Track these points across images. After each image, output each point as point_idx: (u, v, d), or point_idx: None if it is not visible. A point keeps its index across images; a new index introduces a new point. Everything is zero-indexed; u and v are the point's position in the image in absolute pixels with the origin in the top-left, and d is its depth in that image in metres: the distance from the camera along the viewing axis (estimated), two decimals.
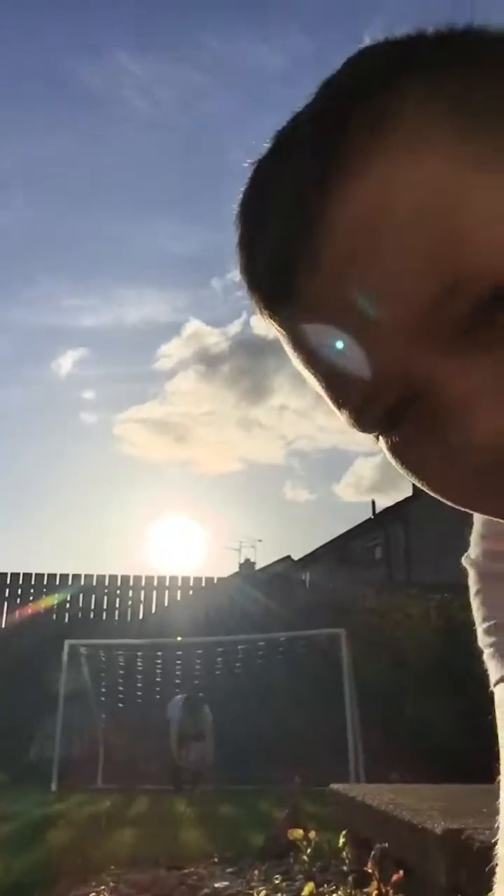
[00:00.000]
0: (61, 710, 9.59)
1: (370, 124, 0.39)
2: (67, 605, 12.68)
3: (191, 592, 12.90)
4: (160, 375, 41.71)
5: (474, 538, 0.62)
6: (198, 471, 44.06)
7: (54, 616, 12.51)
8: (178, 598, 12.89)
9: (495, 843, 1.05)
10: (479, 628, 0.63)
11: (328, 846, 2.81)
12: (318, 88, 0.44)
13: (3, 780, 9.22)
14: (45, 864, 3.21)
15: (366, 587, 13.30)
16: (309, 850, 2.73)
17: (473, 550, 0.62)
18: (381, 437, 0.45)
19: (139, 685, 10.75)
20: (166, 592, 12.91)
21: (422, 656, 8.72)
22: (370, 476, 43.28)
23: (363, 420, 0.44)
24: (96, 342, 39.36)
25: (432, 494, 0.46)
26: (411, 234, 0.38)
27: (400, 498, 26.10)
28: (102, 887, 2.69)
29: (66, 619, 12.49)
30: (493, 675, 0.62)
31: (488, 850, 1.07)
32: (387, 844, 1.66)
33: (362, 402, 0.43)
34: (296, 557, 30.16)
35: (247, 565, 25.80)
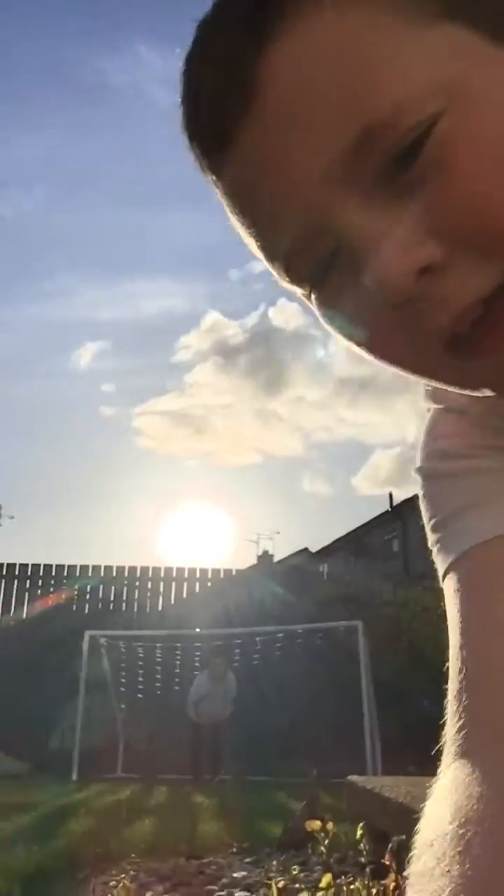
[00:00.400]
0: (82, 701, 9.68)
1: None
2: (88, 597, 12.78)
3: (209, 584, 12.95)
4: (179, 368, 41.84)
5: (421, 445, 0.61)
6: (216, 463, 44.17)
7: (74, 607, 12.62)
8: (197, 589, 12.94)
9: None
10: (427, 529, 0.61)
11: (345, 838, 2.81)
12: None
13: (25, 770, 9.35)
14: (65, 853, 3.25)
15: (383, 579, 13.27)
16: (326, 842, 2.74)
17: (419, 457, 0.61)
18: (312, 294, 0.46)
19: (158, 676, 10.83)
20: (185, 584, 12.97)
21: (438, 648, 8.68)
22: (388, 468, 43.14)
23: (293, 272, 0.45)
24: (115, 335, 39.57)
25: (362, 353, 0.46)
26: (331, 82, 0.39)
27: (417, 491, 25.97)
28: (122, 875, 2.71)
29: (87, 610, 12.59)
30: (440, 569, 0.58)
31: None
32: (404, 836, 1.66)
33: (291, 253, 0.44)
34: (313, 550, 30.17)
35: (265, 557, 25.82)
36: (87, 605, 12.73)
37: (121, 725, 10.55)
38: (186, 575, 13.04)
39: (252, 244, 0.46)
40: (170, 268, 41.61)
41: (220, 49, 0.43)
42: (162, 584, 12.92)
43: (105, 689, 10.52)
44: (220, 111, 0.43)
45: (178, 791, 6.95)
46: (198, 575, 13.07)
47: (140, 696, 10.77)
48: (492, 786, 0.43)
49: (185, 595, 12.89)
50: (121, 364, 42.46)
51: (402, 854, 1.74)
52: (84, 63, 31.90)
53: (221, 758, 8.71)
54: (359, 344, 0.46)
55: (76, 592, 12.71)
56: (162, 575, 12.98)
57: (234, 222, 0.46)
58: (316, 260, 0.44)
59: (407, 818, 1.67)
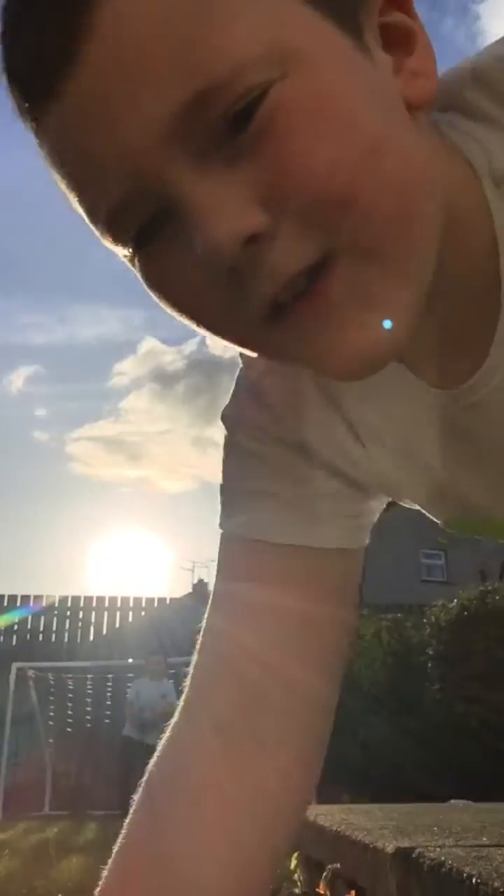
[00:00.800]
0: (7, 735, 9.34)
1: None
2: (15, 628, 12.40)
3: (143, 613, 12.75)
4: (114, 394, 41.40)
5: (232, 395, 0.65)
6: (151, 490, 43.75)
7: (2, 638, 12.22)
8: (130, 619, 12.72)
9: (444, 862, 1.07)
10: (221, 480, 0.65)
11: (279, 869, 2.79)
12: None
13: None
14: None
15: None
16: None
17: (229, 406, 0.65)
18: (135, 257, 0.45)
19: (88, 709, 10.55)
20: (118, 613, 12.73)
21: (373, 677, 8.76)
22: None
23: (115, 232, 0.44)
24: (49, 360, 38.96)
25: (183, 319, 0.46)
26: (167, 37, 0.38)
27: None
28: None
29: (14, 642, 12.20)
30: (221, 528, 0.65)
31: (439, 869, 1.09)
32: (339, 865, 1.66)
33: (114, 212, 0.43)
34: None
35: (200, 585, 25.61)
36: (14, 637, 12.35)
37: (49, 760, 10.21)
38: (119, 604, 12.81)
39: (73, 199, 0.44)
40: (106, 293, 41.42)
41: None
42: (93, 613, 12.65)
43: (32, 723, 10.18)
44: (46, 55, 0.40)
45: (109, 827, 6.76)
46: (131, 604, 12.86)
47: (69, 729, 10.46)
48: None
49: (117, 624, 12.65)
50: (55, 389, 41.80)
51: (337, 883, 1.74)
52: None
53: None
54: (179, 309, 0.46)
55: (3, 623, 12.32)
56: (93, 604, 12.71)
57: (55, 174, 0.44)
58: (140, 221, 0.43)
59: (342, 847, 1.68)
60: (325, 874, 1.73)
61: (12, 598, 12.58)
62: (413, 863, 1.20)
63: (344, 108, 0.40)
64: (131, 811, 0.60)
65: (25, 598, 12.63)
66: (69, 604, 12.62)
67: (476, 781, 6.73)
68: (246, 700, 0.57)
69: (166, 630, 11.92)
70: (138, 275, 0.46)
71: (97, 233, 0.45)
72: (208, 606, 0.65)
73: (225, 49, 0.38)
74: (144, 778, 0.61)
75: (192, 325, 0.46)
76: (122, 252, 0.46)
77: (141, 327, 40.72)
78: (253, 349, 0.48)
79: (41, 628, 12.48)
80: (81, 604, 12.66)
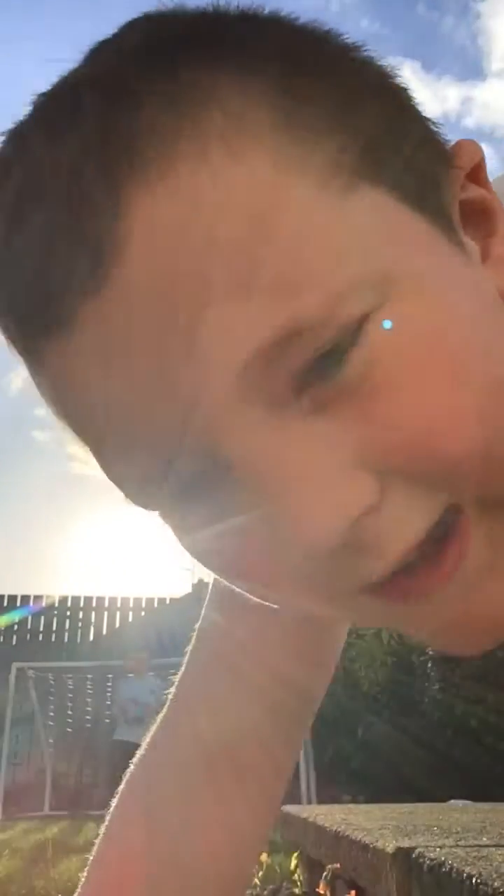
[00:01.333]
0: (7, 736, 9.34)
1: (173, 103, 0.29)
2: (16, 627, 12.40)
3: (143, 613, 12.75)
4: None
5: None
6: None
7: (2, 638, 12.22)
8: (130, 618, 12.72)
9: (444, 862, 1.07)
10: None
11: (279, 869, 2.79)
12: (91, 52, 0.33)
13: None
14: None
15: None
16: (260, 874, 2.71)
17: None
18: (162, 517, 0.36)
19: (89, 709, 10.55)
20: (118, 613, 12.73)
21: (373, 677, 8.77)
22: None
23: (144, 496, 0.34)
24: None
25: (223, 578, 0.38)
26: (228, 262, 0.28)
27: None
28: None
29: (14, 642, 12.20)
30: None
31: (439, 869, 1.08)
32: (338, 865, 1.66)
33: (146, 475, 0.33)
34: None
35: (200, 585, 25.62)
36: (14, 637, 12.35)
37: (49, 760, 10.21)
38: (119, 604, 12.81)
39: (83, 452, 0.35)
40: None
41: (54, 185, 0.30)
42: (93, 613, 12.65)
43: (32, 724, 10.18)
44: (52, 282, 0.30)
45: None
46: (131, 604, 12.86)
47: (69, 729, 10.46)
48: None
49: (117, 624, 12.65)
50: None
51: (337, 883, 1.74)
52: (23, 84, 31.80)
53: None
54: (228, 576, 0.37)
55: (3, 623, 12.32)
56: (94, 604, 12.72)
57: (59, 419, 0.34)
58: (180, 485, 0.33)
59: (341, 846, 1.68)
60: (325, 874, 1.74)
61: (12, 598, 12.59)
62: (413, 863, 1.20)
63: (458, 339, 0.31)
64: (114, 802, 0.61)
65: (25, 598, 12.63)
66: (69, 604, 12.62)
67: (476, 781, 6.73)
68: (239, 697, 0.57)
69: (166, 630, 11.92)
70: (169, 530, 0.37)
71: (118, 490, 0.35)
72: (208, 593, 0.64)
73: (315, 270, 0.29)
74: (131, 770, 0.62)
75: (250, 594, 0.37)
76: (146, 513, 0.36)
77: None
78: (336, 615, 0.39)
79: (41, 628, 12.48)
80: (81, 604, 12.66)
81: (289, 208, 0.29)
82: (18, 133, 0.32)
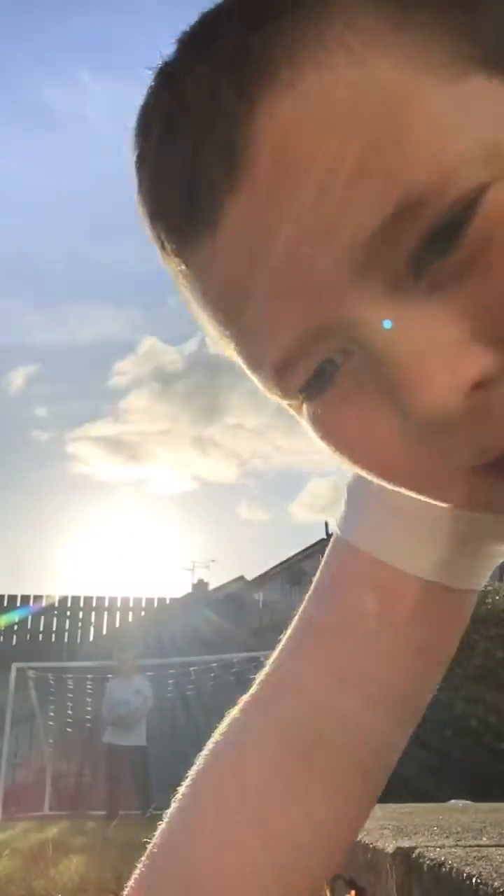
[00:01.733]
0: (7, 736, 9.34)
1: (296, 18, 0.33)
2: (15, 628, 12.40)
3: (143, 614, 12.76)
4: (114, 393, 41.39)
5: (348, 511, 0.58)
6: (151, 490, 43.76)
7: (1, 638, 12.22)
8: (130, 619, 12.73)
9: (444, 862, 1.07)
10: (348, 485, 0.59)
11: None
12: None
13: None
14: None
15: None
16: None
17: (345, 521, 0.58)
18: (304, 404, 0.38)
19: (88, 709, 10.55)
20: (118, 614, 12.74)
21: None
22: (325, 496, 43.59)
23: (285, 382, 0.37)
24: (49, 359, 38.98)
25: (363, 472, 0.39)
26: (351, 147, 0.31)
27: None
28: None
29: (14, 642, 12.21)
30: (335, 528, 0.60)
31: (439, 869, 1.08)
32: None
33: (286, 359, 0.36)
34: (249, 577, 30.09)
35: (200, 585, 25.62)
36: (14, 637, 12.35)
37: (48, 761, 10.22)
38: (119, 604, 12.82)
39: (228, 347, 0.38)
40: (107, 293, 41.48)
41: (195, 101, 0.34)
42: (93, 613, 12.66)
43: (32, 724, 10.18)
44: (197, 183, 0.34)
45: (108, 827, 6.76)
46: (131, 604, 12.87)
47: (69, 729, 10.47)
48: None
49: (117, 625, 12.66)
50: (55, 389, 41.81)
51: (337, 883, 1.73)
52: (23, 85, 31.80)
53: (151, 790, 8.48)
54: (361, 463, 0.38)
55: (3, 624, 12.32)
56: (93, 604, 12.72)
57: (205, 319, 0.38)
58: (316, 367, 0.36)
59: None
60: None
61: (12, 598, 12.60)
62: (413, 863, 1.20)
63: None
64: (173, 803, 0.61)
65: (25, 598, 12.64)
66: (69, 604, 12.63)
67: (476, 781, 6.73)
68: (313, 725, 0.55)
69: (166, 630, 11.93)
70: (303, 422, 0.39)
71: (257, 382, 0.38)
72: (309, 593, 0.61)
73: (427, 150, 0.31)
74: (195, 769, 0.61)
75: (371, 475, 0.39)
76: (285, 402, 0.39)
77: (141, 326, 40.73)
78: (459, 502, 0.39)
79: (41, 628, 12.49)
80: (81, 604, 12.67)
81: (409, 96, 0.31)
82: (165, 63, 0.37)
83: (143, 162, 0.37)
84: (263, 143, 0.32)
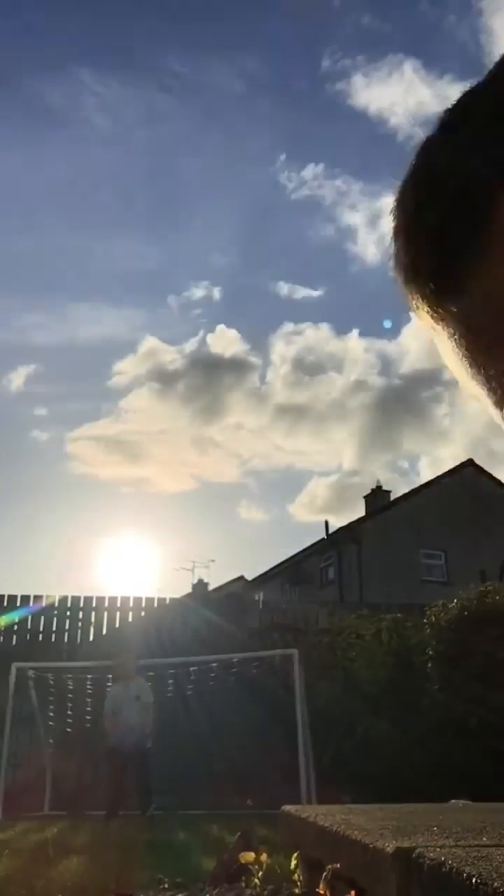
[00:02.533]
0: (7, 736, 9.34)
1: None
2: (15, 628, 12.39)
3: (143, 613, 12.75)
4: (114, 393, 41.44)
5: None
6: (151, 490, 43.76)
7: (1, 638, 12.21)
8: (130, 619, 12.72)
9: (444, 862, 1.07)
10: None
11: (280, 869, 2.79)
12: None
13: None
14: None
15: (319, 607, 13.33)
16: (260, 874, 2.71)
17: None
18: None
19: (89, 709, 10.54)
20: (117, 614, 12.73)
21: (373, 677, 8.77)
22: (324, 496, 43.58)
23: None
24: (49, 359, 38.97)
25: None
26: None
27: (353, 518, 26.34)
28: None
29: (14, 642, 12.20)
30: None
31: (439, 869, 1.08)
32: (338, 865, 1.66)
33: None
34: (249, 577, 30.07)
35: (200, 585, 25.61)
36: (14, 637, 12.34)
37: (48, 761, 10.21)
38: (119, 604, 12.80)
39: (477, 390, 0.40)
40: (107, 293, 41.43)
41: (447, 178, 0.37)
42: (93, 613, 12.64)
43: (32, 724, 10.18)
44: (452, 252, 0.37)
45: (108, 827, 6.76)
46: (131, 604, 12.85)
47: (69, 730, 10.46)
48: None
49: (117, 624, 12.65)
50: (55, 389, 41.82)
51: (336, 883, 1.73)
52: (24, 84, 31.76)
53: (152, 791, 8.48)
54: None
55: (3, 623, 12.31)
56: (94, 604, 12.71)
57: (462, 374, 0.41)
58: None
59: (341, 846, 1.68)
60: (325, 874, 1.73)
61: (12, 598, 12.58)
62: (413, 863, 1.20)
63: None
64: None
65: (25, 598, 12.63)
66: (69, 604, 12.62)
67: (476, 781, 6.73)
68: None
69: (166, 630, 11.92)
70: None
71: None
72: None
73: None
74: None
75: None
76: None
77: (141, 326, 40.74)
78: None
79: (41, 628, 12.47)
80: (81, 604, 12.65)
81: None
82: (424, 140, 0.40)
83: (398, 232, 0.40)
84: (500, 237, 0.35)
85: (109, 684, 9.15)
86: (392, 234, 0.41)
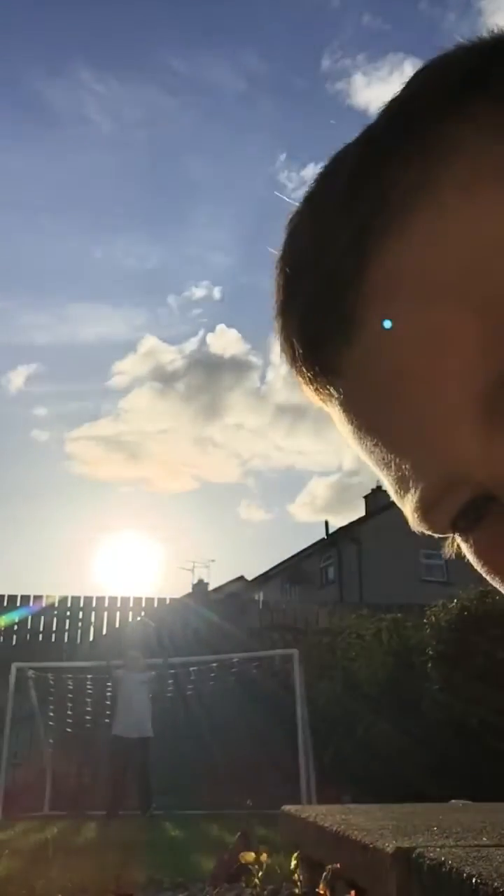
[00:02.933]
0: (7, 736, 9.33)
1: (423, 161, 0.32)
2: (15, 628, 12.39)
3: (143, 613, 12.75)
4: (114, 392, 41.48)
5: None
6: (151, 489, 43.76)
7: (1, 638, 12.21)
8: (130, 619, 12.72)
9: (444, 862, 1.07)
10: None
11: (280, 869, 2.79)
12: (383, 107, 0.36)
13: None
14: None
15: (319, 607, 13.33)
16: (260, 874, 2.70)
17: None
18: (458, 538, 0.37)
19: (88, 709, 10.55)
20: (118, 614, 12.73)
21: (373, 677, 8.76)
22: (325, 496, 43.62)
23: (431, 519, 0.36)
24: (49, 359, 39.00)
25: None
26: (459, 306, 0.30)
27: (353, 518, 26.36)
28: None
29: (14, 642, 12.20)
30: None
31: (439, 869, 1.08)
32: (338, 865, 1.66)
33: (426, 501, 0.35)
34: (250, 577, 30.08)
35: (200, 585, 25.61)
36: (14, 637, 12.34)
37: (48, 761, 10.21)
38: (119, 604, 12.80)
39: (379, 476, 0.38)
40: (108, 293, 41.45)
41: (311, 254, 0.35)
42: (93, 613, 12.64)
43: (32, 724, 10.18)
44: (318, 335, 0.35)
45: (108, 827, 6.76)
46: (131, 604, 12.85)
47: (69, 730, 10.46)
48: None
49: (117, 625, 12.64)
50: (55, 388, 41.83)
51: (336, 883, 1.73)
52: (24, 83, 31.75)
53: (152, 791, 8.48)
54: None
55: (3, 623, 12.31)
56: (93, 604, 12.71)
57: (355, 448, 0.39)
58: (458, 511, 0.35)
59: (341, 846, 1.68)
60: (325, 874, 1.73)
61: (12, 598, 12.58)
62: (413, 863, 1.20)
63: None
64: None
65: (25, 598, 12.63)
66: (69, 604, 12.61)
67: (476, 781, 6.73)
68: None
69: (166, 630, 11.92)
70: (467, 553, 0.38)
71: (407, 517, 0.37)
72: None
73: None
74: None
75: None
76: (438, 534, 0.38)
77: (141, 326, 40.74)
78: None
79: (41, 628, 12.47)
80: (81, 604, 12.65)
81: None
82: (295, 210, 0.38)
83: (276, 310, 0.39)
84: (375, 302, 0.32)
85: (109, 684, 9.15)
86: (273, 311, 0.39)
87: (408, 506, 0.36)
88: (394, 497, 0.37)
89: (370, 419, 0.35)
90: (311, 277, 0.35)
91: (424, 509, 0.35)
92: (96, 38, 34.65)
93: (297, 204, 0.38)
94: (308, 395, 0.39)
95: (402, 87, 0.35)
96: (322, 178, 0.37)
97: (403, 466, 0.35)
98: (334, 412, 0.38)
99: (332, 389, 0.36)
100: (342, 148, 0.37)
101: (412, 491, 0.35)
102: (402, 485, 0.36)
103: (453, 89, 0.33)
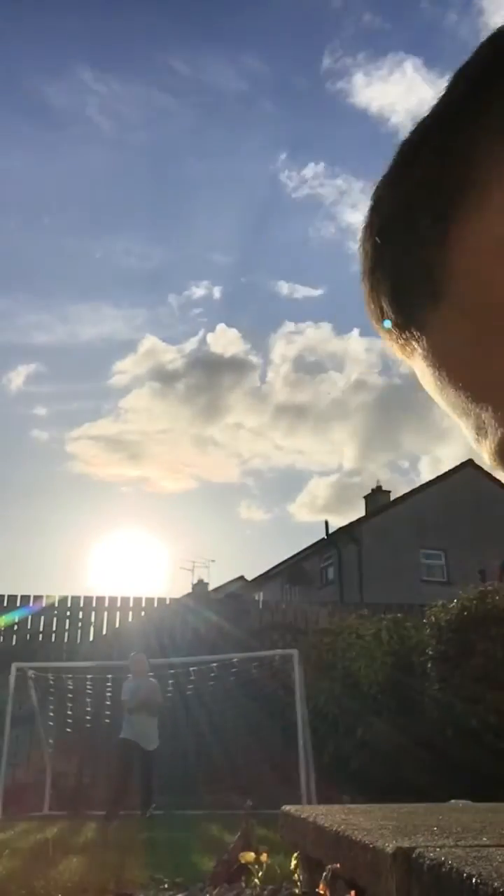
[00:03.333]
0: (7, 736, 9.34)
1: (500, 132, 0.33)
2: (15, 628, 12.40)
3: (143, 613, 12.75)
4: (114, 392, 41.46)
5: None
6: (151, 489, 43.75)
7: (1, 638, 12.21)
8: (130, 619, 12.72)
9: (444, 862, 1.07)
10: None
11: (280, 869, 2.79)
12: (450, 80, 0.37)
13: None
14: None
15: (319, 607, 13.33)
16: (260, 874, 2.71)
17: None
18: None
19: (88, 709, 10.55)
20: (118, 613, 12.73)
21: (373, 677, 8.77)
22: (325, 495, 43.58)
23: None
24: (49, 358, 38.98)
25: None
26: None
27: (353, 518, 26.34)
28: None
29: (14, 642, 12.20)
30: None
31: (439, 869, 1.08)
32: (338, 865, 1.66)
33: (499, 447, 0.38)
34: (249, 577, 30.08)
35: (200, 585, 25.60)
36: (14, 637, 12.34)
37: (48, 761, 10.21)
38: (119, 604, 12.80)
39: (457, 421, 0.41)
40: (108, 292, 41.44)
41: (395, 226, 0.38)
42: (93, 613, 12.64)
43: (32, 724, 10.18)
44: (405, 296, 0.38)
45: (108, 827, 6.76)
46: (131, 604, 12.85)
47: (69, 730, 10.47)
48: None
49: (117, 625, 12.65)
50: (55, 388, 41.79)
51: (336, 883, 1.73)
52: (24, 84, 31.75)
53: (152, 791, 8.48)
54: None
55: (3, 623, 12.31)
56: (94, 604, 12.71)
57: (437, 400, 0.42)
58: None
59: (341, 846, 1.68)
60: (325, 874, 1.73)
61: (12, 598, 12.58)
62: (413, 863, 1.20)
63: None
64: None
65: (25, 598, 12.63)
66: (69, 604, 12.62)
67: (476, 781, 6.73)
68: None
69: (166, 630, 11.92)
70: None
71: (483, 456, 0.41)
72: None
73: None
74: None
75: None
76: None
77: (141, 326, 40.73)
78: None
79: (41, 628, 12.47)
80: (81, 604, 12.65)
81: None
82: (376, 185, 0.40)
83: (364, 273, 0.41)
84: (460, 259, 0.34)
85: (109, 684, 9.16)
86: (361, 276, 0.42)
87: (485, 451, 0.39)
88: (471, 442, 0.40)
89: (452, 373, 0.38)
90: (399, 238, 0.37)
91: (502, 453, 0.38)
92: (97, 38, 34.62)
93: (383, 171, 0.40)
94: (394, 350, 0.42)
95: (479, 50, 0.36)
96: (406, 146, 0.38)
97: (483, 415, 0.38)
98: (418, 366, 0.41)
99: (416, 345, 0.39)
100: (424, 116, 0.38)
101: (490, 438, 0.38)
102: (481, 432, 0.39)
103: None
